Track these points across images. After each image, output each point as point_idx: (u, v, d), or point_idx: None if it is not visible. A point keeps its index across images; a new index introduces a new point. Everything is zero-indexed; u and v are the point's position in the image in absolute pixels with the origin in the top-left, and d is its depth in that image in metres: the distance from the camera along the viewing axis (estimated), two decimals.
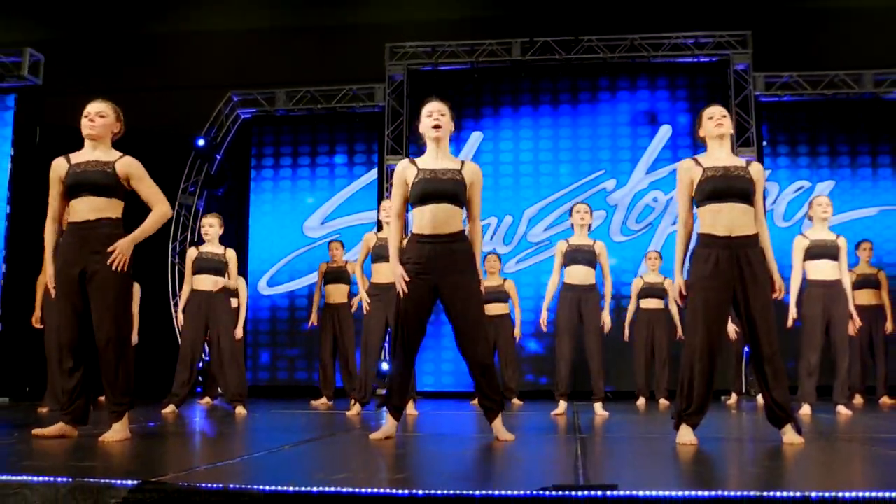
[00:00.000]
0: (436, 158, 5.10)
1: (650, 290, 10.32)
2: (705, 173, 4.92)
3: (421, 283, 4.95)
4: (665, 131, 13.04)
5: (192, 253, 8.47)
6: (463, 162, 5.20)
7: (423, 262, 4.96)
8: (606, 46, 13.02)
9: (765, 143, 13.18)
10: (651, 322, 10.35)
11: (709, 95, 12.97)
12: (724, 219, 4.84)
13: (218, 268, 8.34)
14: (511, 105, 13.51)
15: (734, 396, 10.51)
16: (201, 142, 13.45)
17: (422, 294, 4.98)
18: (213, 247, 8.47)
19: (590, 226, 8.34)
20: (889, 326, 10.06)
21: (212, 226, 8.55)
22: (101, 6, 14.69)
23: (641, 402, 10.20)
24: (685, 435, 4.76)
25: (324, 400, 10.08)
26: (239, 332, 8.95)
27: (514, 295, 10.67)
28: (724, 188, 4.86)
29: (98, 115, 5.26)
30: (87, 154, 5.22)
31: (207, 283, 8.27)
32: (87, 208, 5.12)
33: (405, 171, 5.09)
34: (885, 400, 9.83)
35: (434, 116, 5.10)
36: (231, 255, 8.53)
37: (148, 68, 14.36)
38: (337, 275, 10.24)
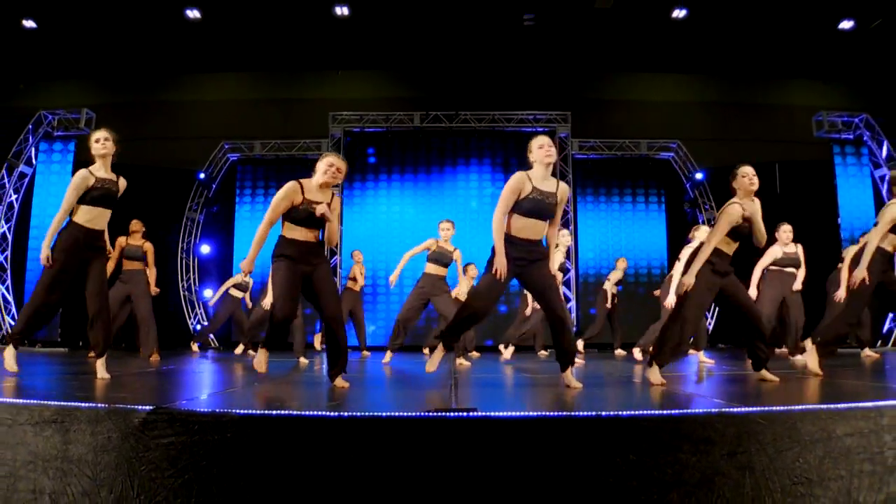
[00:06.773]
0: None
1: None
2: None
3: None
4: None
5: (238, 277, 10.28)
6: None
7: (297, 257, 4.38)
8: (476, 118, 13.21)
9: (578, 188, 13.51)
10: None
11: None
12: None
13: (244, 287, 10.33)
14: (413, 157, 13.57)
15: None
16: (202, 175, 13.42)
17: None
18: (242, 277, 10.15)
19: (452, 236, 7.29)
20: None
21: (244, 273, 9.26)
22: (135, 80, 14.46)
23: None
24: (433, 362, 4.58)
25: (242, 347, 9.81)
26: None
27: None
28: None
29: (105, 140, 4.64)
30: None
31: (237, 293, 10.24)
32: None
33: None
34: (619, 352, 9.74)
35: None
36: (249, 280, 10.46)
37: (166, 123, 14.17)
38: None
